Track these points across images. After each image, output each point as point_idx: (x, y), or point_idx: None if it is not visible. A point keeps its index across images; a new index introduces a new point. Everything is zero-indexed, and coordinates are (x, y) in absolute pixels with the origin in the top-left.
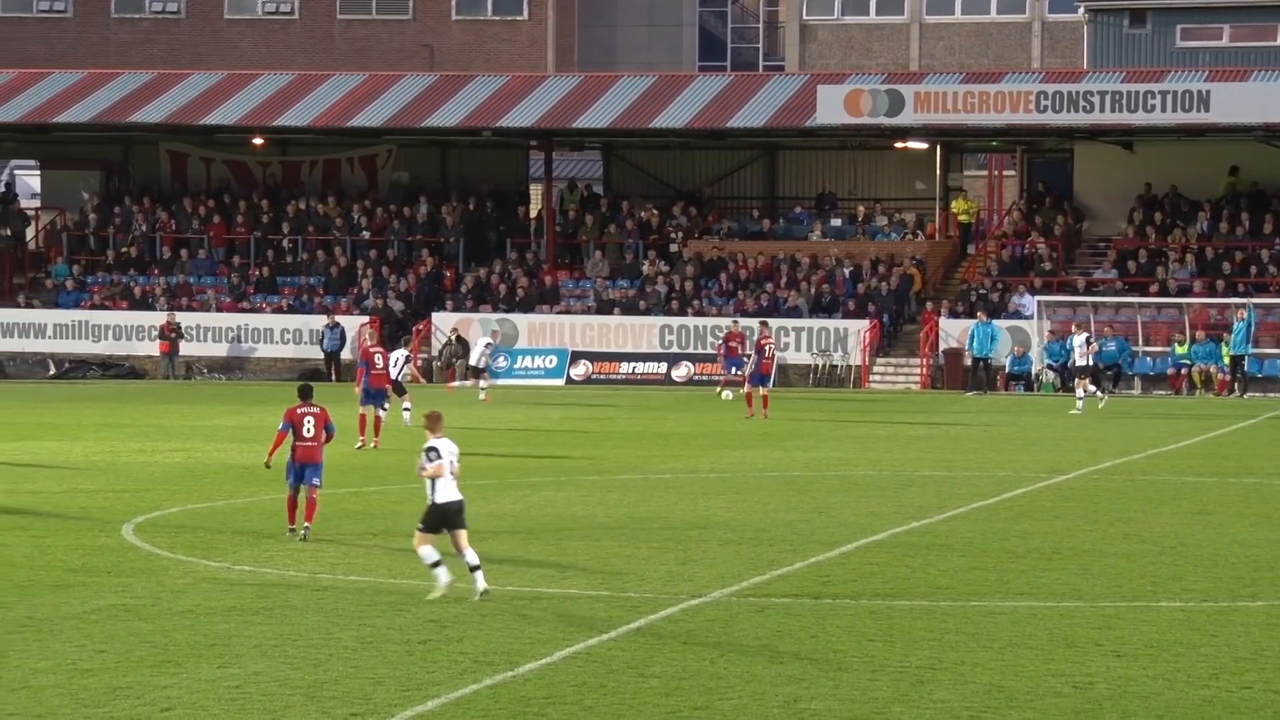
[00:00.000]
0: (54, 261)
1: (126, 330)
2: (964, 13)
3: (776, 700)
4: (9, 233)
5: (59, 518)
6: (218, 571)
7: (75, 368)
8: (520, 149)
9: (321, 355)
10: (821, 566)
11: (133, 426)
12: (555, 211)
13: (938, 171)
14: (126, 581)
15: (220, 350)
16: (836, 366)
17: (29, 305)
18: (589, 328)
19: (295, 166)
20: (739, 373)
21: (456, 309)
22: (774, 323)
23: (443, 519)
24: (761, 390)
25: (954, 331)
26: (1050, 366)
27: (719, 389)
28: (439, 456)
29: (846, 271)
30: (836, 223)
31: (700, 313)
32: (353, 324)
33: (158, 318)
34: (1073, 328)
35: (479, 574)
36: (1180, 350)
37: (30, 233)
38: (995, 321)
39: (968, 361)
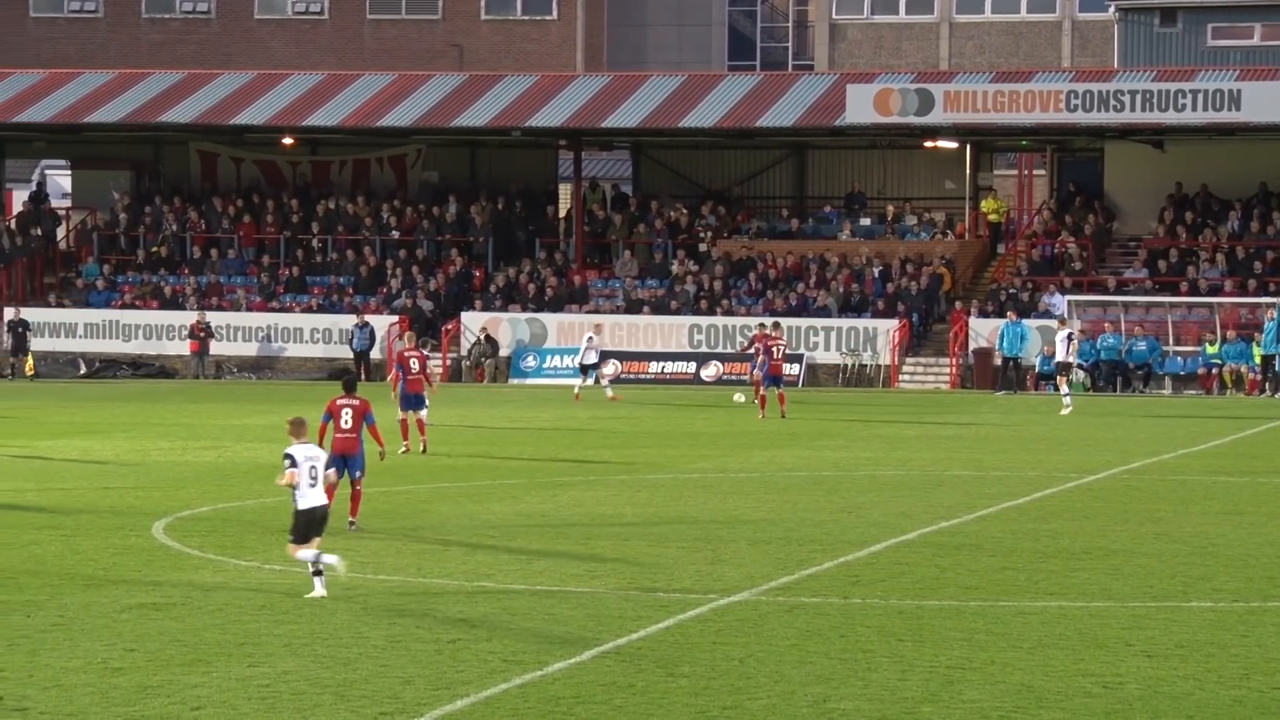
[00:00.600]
0: (85, 261)
1: (157, 330)
2: (994, 12)
3: (806, 700)
4: (40, 232)
5: (90, 516)
6: (248, 571)
7: (106, 367)
8: (549, 149)
9: (351, 355)
10: (851, 566)
11: (163, 426)
12: (584, 211)
13: (967, 171)
14: (157, 580)
15: (250, 350)
16: (866, 366)
17: (60, 305)
18: (618, 327)
19: (325, 166)
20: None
21: (485, 308)
22: (803, 322)
23: (309, 525)
24: (776, 390)
25: (983, 331)
26: (1080, 366)
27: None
28: (293, 465)
29: (876, 271)
30: (866, 222)
31: (729, 312)
32: (382, 324)
33: (188, 317)
34: (1056, 324)
35: (320, 580)
36: (1211, 350)
37: (61, 232)
38: (1025, 321)
39: (997, 361)
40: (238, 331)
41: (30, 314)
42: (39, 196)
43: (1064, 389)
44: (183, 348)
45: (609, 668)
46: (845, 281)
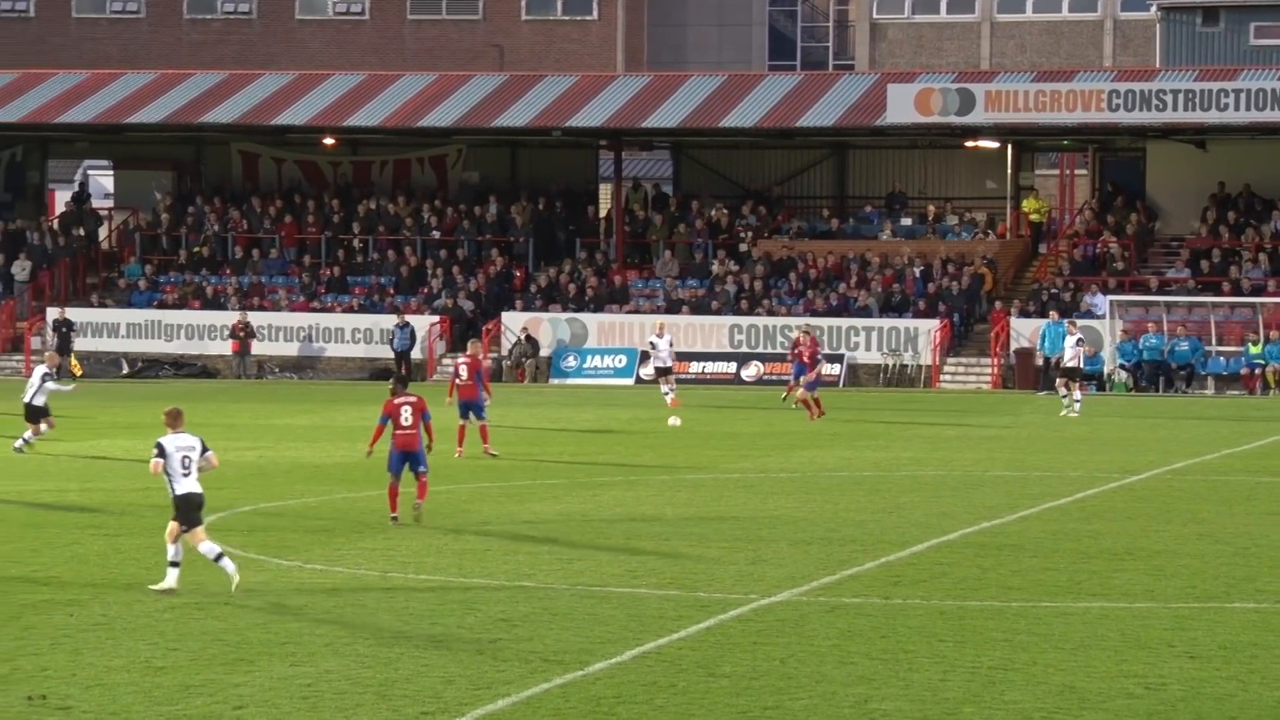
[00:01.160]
0: (127, 261)
1: (199, 330)
2: (1035, 11)
3: (847, 700)
4: (83, 233)
5: (133, 516)
6: (289, 570)
7: (148, 367)
8: (590, 149)
9: (392, 355)
10: (892, 566)
11: (205, 426)
12: (625, 211)
13: (1009, 170)
14: (199, 580)
15: (291, 349)
16: (907, 366)
17: (102, 305)
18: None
19: (366, 166)
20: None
21: (526, 309)
22: (844, 322)
23: (188, 510)
24: (811, 394)
25: (1025, 331)
26: (1123, 366)
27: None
28: (160, 455)
29: (917, 271)
30: (907, 222)
31: (770, 312)
32: (423, 324)
33: (229, 317)
34: (1068, 325)
35: (225, 561)
36: (1254, 350)
37: (103, 233)
38: (1067, 321)
39: (1039, 361)
40: (279, 332)
41: (73, 314)
42: (81, 197)
43: (1075, 393)
44: (224, 347)
45: (650, 668)
46: (886, 281)
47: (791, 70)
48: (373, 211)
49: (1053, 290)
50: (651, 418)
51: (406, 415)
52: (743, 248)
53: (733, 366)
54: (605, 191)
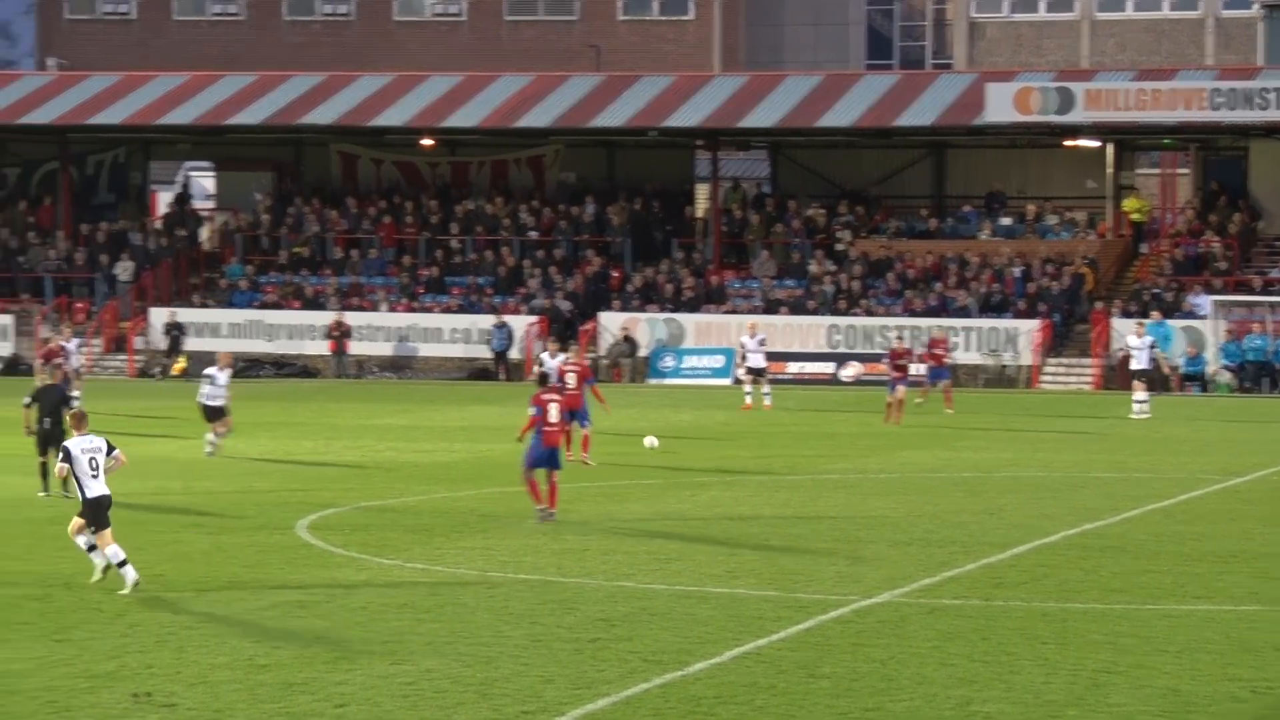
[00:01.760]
0: (228, 262)
1: (298, 330)
2: (1136, 9)
3: (948, 702)
4: (184, 233)
5: (235, 515)
6: (390, 569)
7: (249, 367)
8: (686, 149)
9: (490, 355)
10: (993, 568)
11: (305, 425)
12: (722, 211)
13: (1109, 169)
14: (301, 579)
15: (387, 349)
16: (1006, 367)
17: (204, 305)
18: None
19: (464, 167)
20: (943, 384)
21: (623, 309)
22: (943, 322)
23: (96, 512)
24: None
25: (1127, 331)
26: (1226, 367)
27: (919, 397)
28: (65, 459)
29: (1016, 271)
30: (1006, 221)
31: (868, 312)
32: (520, 324)
33: (329, 317)
34: (1135, 325)
35: (127, 569)
36: None
37: (205, 233)
38: (1169, 321)
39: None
40: (377, 331)
41: (175, 314)
42: (183, 198)
43: (1139, 395)
44: (323, 347)
45: (749, 668)
46: (986, 282)
47: (889, 69)
48: (470, 212)
49: (1155, 290)
50: (750, 418)
51: (553, 412)
52: (840, 247)
53: (830, 367)
54: (702, 192)
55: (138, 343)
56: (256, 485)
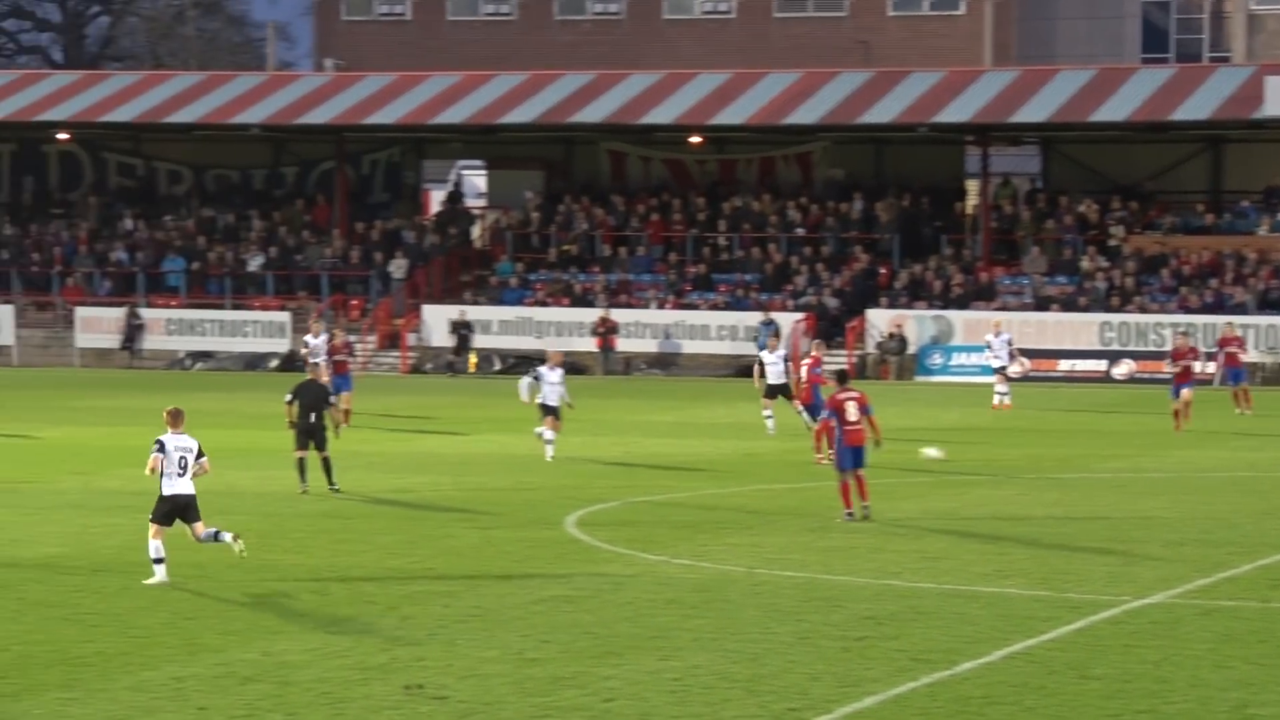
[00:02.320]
0: (498, 259)
1: (567, 327)
2: None
3: (1224, 705)
4: (456, 232)
5: (504, 511)
6: (656, 565)
7: (519, 364)
8: (956, 145)
9: (757, 352)
10: (1270, 569)
11: (573, 421)
12: (992, 207)
13: None
14: (569, 573)
15: (654, 346)
16: None
17: (475, 302)
18: (1026, 324)
19: (731, 164)
20: (1244, 384)
21: (890, 306)
22: (1220, 319)
23: (170, 511)
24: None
25: None
26: None
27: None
28: (160, 451)
29: None
30: None
31: (1141, 309)
32: (787, 321)
33: (596, 314)
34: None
35: (225, 535)
36: None
37: (476, 231)
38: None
39: None
40: (644, 329)
41: (447, 311)
42: (455, 196)
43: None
44: (592, 344)
45: (1019, 669)
46: (1264, 278)
47: (1165, 63)
48: (738, 209)
49: None
50: (1020, 415)
51: (852, 410)
52: (1113, 243)
53: (1103, 364)
54: (971, 187)
55: (410, 339)
56: (526, 481)
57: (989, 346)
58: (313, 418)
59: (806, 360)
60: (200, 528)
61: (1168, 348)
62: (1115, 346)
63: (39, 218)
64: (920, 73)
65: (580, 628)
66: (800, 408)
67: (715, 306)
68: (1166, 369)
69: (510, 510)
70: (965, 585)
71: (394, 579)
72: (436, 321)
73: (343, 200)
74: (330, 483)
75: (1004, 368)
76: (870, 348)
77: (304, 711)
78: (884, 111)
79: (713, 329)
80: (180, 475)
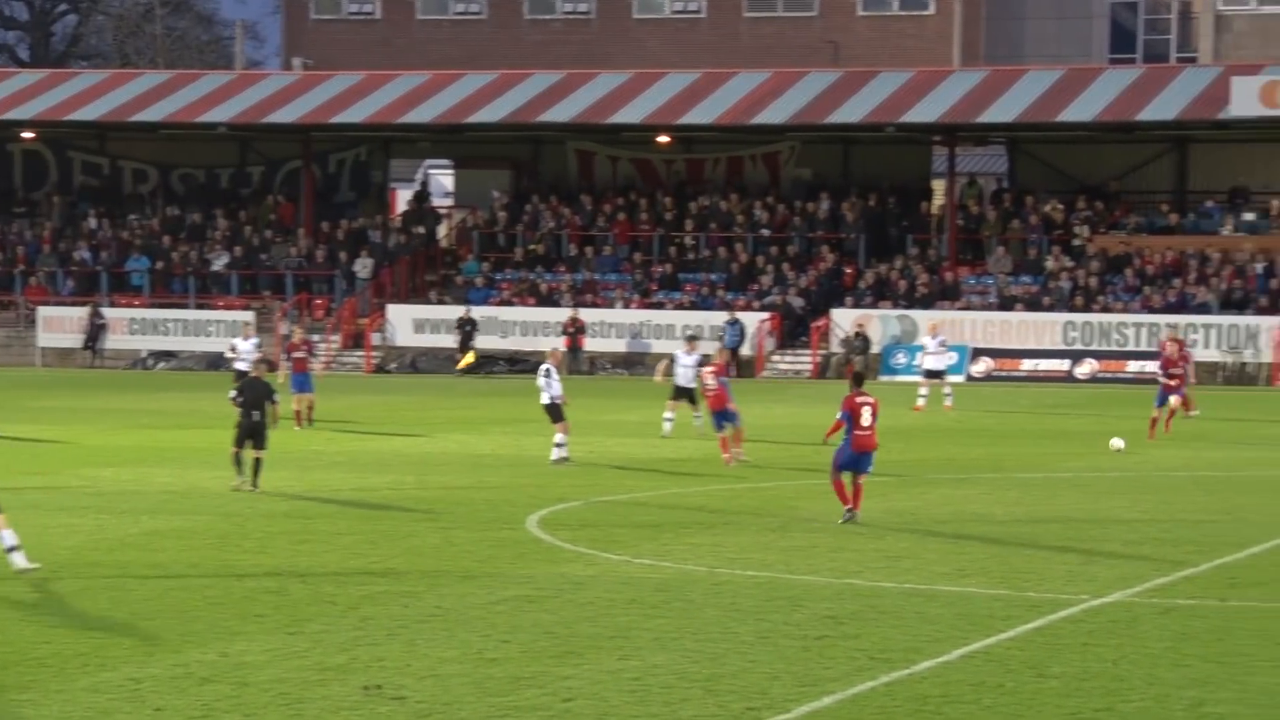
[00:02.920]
0: (465, 259)
1: (533, 327)
2: None
3: (1181, 704)
4: (422, 231)
5: (466, 510)
6: (618, 564)
7: (484, 362)
8: (923, 145)
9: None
10: (1229, 568)
11: (537, 421)
12: (958, 207)
13: None
14: (530, 573)
15: (620, 346)
16: (1247, 364)
17: (440, 301)
18: (990, 324)
19: (699, 164)
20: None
21: (856, 305)
22: (1182, 319)
23: None
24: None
25: None
26: None
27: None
28: None
29: (1259, 267)
30: (1249, 217)
31: (1105, 309)
32: (752, 320)
33: (562, 314)
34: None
35: (16, 555)
36: None
37: (442, 231)
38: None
39: None
40: (611, 328)
41: (411, 310)
42: (422, 195)
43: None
44: (559, 343)
45: (978, 667)
46: (1227, 278)
47: (1132, 63)
48: (705, 208)
49: None
50: (983, 414)
51: (866, 415)
52: (1077, 243)
53: (1066, 364)
54: (938, 187)
55: (375, 339)
56: (488, 480)
57: (924, 348)
58: (255, 416)
59: (710, 367)
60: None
61: (1131, 347)
62: (1079, 346)
63: (2, 217)
64: (888, 73)
65: (540, 627)
66: (698, 413)
67: (681, 306)
68: (1160, 377)
69: (472, 510)
70: (926, 584)
71: (355, 579)
72: (401, 321)
73: (308, 199)
74: (254, 484)
75: (941, 371)
76: (835, 347)
77: (261, 712)
78: (852, 111)
79: (678, 328)
80: None
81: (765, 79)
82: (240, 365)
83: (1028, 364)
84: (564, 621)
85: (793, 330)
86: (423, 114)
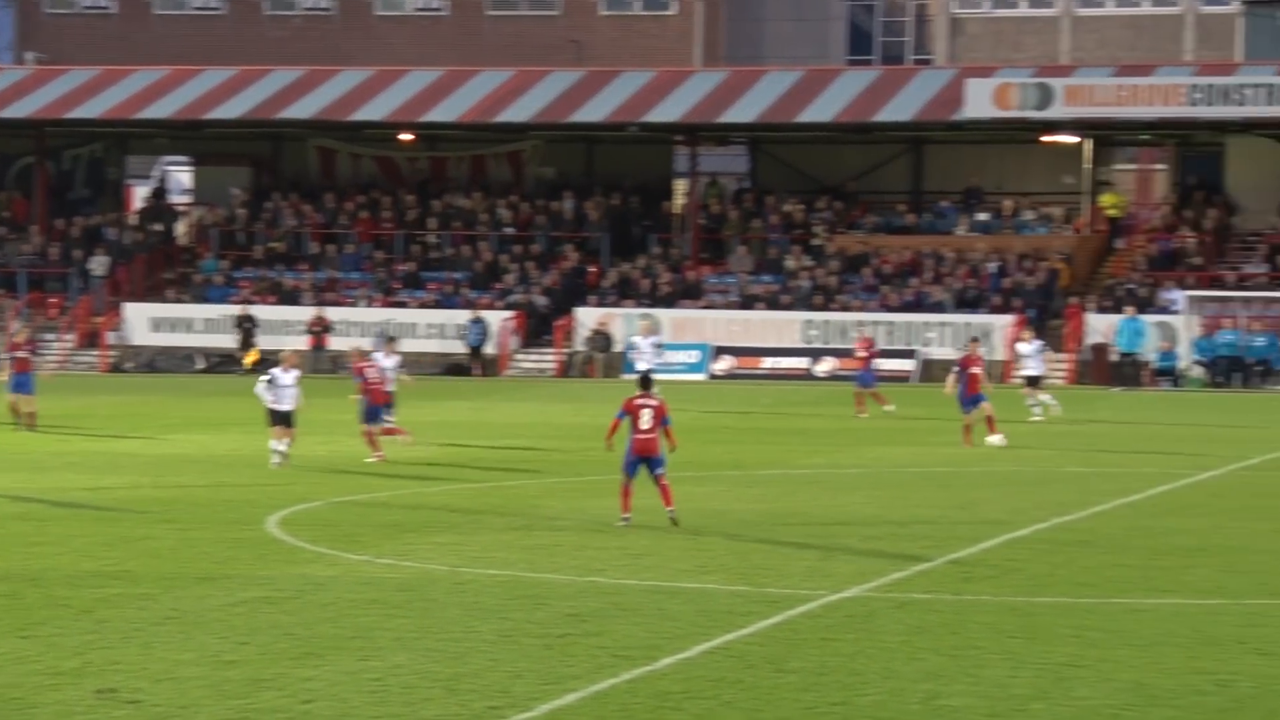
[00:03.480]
0: (203, 257)
1: (274, 325)
2: (1116, 5)
3: (915, 696)
4: (160, 229)
5: (205, 511)
6: (359, 565)
7: (224, 362)
8: (666, 144)
9: (465, 350)
10: (962, 563)
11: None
12: (700, 207)
13: (1086, 165)
14: (270, 574)
15: (366, 345)
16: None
17: (178, 300)
18: (732, 323)
19: (442, 162)
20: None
21: (600, 304)
22: (919, 318)
23: None
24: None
25: (1100, 326)
26: (1199, 362)
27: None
28: None
29: (992, 266)
30: (983, 217)
31: (844, 308)
32: (496, 319)
33: (305, 312)
34: (1022, 334)
35: None
36: None
37: (180, 228)
38: (1142, 316)
39: (1114, 357)
40: (354, 327)
41: (149, 309)
42: (160, 192)
43: (1039, 398)
44: (302, 343)
45: (718, 663)
46: (962, 277)
47: (869, 65)
48: (449, 207)
49: (1129, 286)
50: (725, 412)
51: (646, 418)
52: (817, 243)
53: (805, 362)
54: (680, 187)
55: (111, 338)
56: (227, 480)
57: (635, 348)
58: None
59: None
60: None
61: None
62: (818, 344)
63: None
64: (631, 72)
65: (280, 629)
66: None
67: (424, 305)
68: (950, 384)
69: (210, 511)
70: (667, 581)
71: (89, 582)
72: (138, 319)
73: (42, 196)
74: None
75: (650, 371)
76: (579, 346)
77: None
78: (595, 110)
79: (421, 327)
80: None
81: (508, 77)
82: None
83: (769, 362)
84: (304, 623)
85: (537, 329)
86: (160, 110)
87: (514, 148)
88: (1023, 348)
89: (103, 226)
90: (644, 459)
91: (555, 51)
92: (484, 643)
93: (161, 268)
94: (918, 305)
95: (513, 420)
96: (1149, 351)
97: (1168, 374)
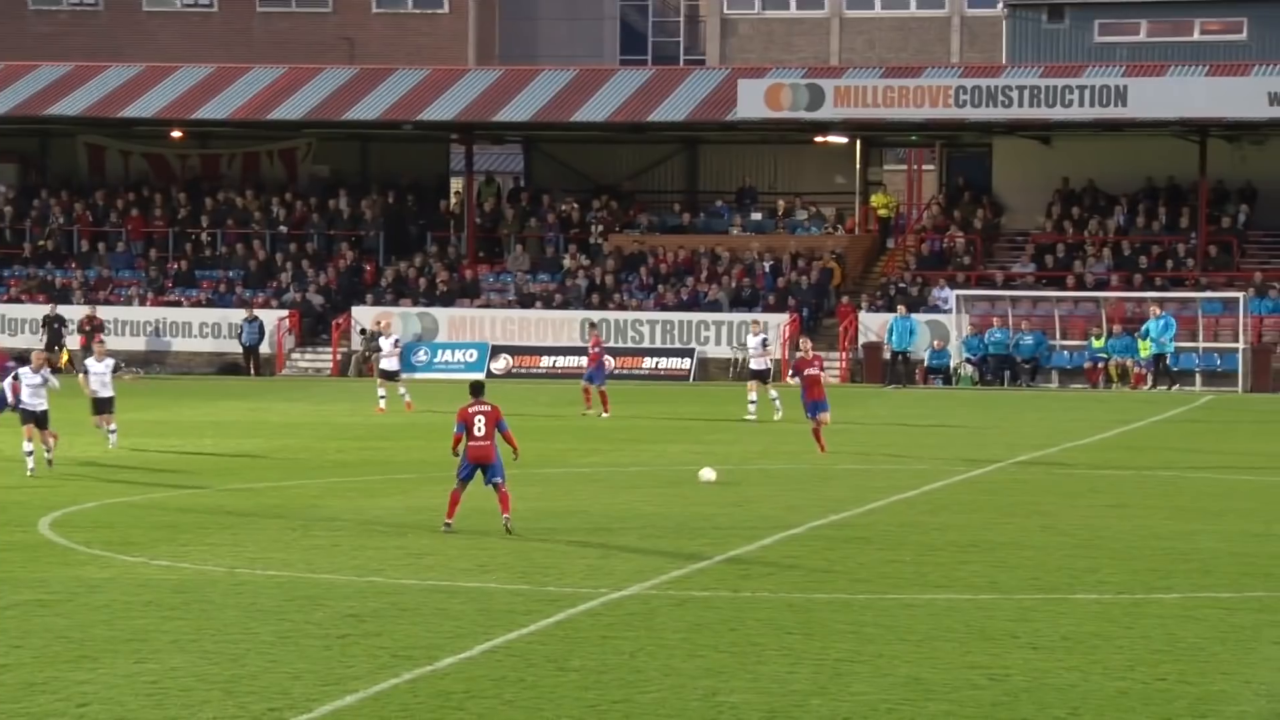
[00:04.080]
0: None
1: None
2: (884, 7)
3: (695, 693)
4: None
5: None
6: (135, 566)
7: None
8: (441, 142)
9: (240, 349)
10: (740, 560)
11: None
12: (476, 205)
13: (857, 166)
14: (43, 577)
15: (139, 344)
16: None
17: None
18: (509, 321)
19: (214, 160)
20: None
21: (377, 303)
22: (694, 316)
23: None
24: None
25: (873, 325)
26: (969, 360)
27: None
28: None
29: (766, 265)
30: (757, 217)
31: (621, 306)
32: (271, 318)
33: (77, 312)
34: (752, 324)
35: None
36: (1097, 344)
37: None
38: (914, 315)
39: (887, 355)
40: (126, 326)
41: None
42: None
43: (770, 392)
44: (71, 341)
45: (499, 662)
46: (737, 276)
47: (643, 65)
48: (221, 205)
49: (900, 285)
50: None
51: (480, 425)
52: (594, 242)
53: (583, 360)
54: (456, 185)
55: None
56: (25, 482)
57: (380, 350)
58: None
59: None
60: None
61: (646, 344)
62: None
63: None
64: (405, 70)
65: (54, 632)
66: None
67: (198, 304)
68: (790, 381)
69: (1, 511)
70: (447, 581)
71: None
72: None
73: None
74: None
75: (395, 371)
76: (355, 345)
77: None
78: (369, 109)
79: (195, 326)
80: None
81: (280, 74)
82: None
83: (547, 360)
84: (78, 625)
85: (313, 328)
86: None
87: (287, 145)
88: (750, 341)
89: None
90: (480, 466)
91: (327, 49)
92: (262, 644)
93: None
94: (694, 304)
95: (289, 420)
96: (921, 350)
97: (940, 372)
